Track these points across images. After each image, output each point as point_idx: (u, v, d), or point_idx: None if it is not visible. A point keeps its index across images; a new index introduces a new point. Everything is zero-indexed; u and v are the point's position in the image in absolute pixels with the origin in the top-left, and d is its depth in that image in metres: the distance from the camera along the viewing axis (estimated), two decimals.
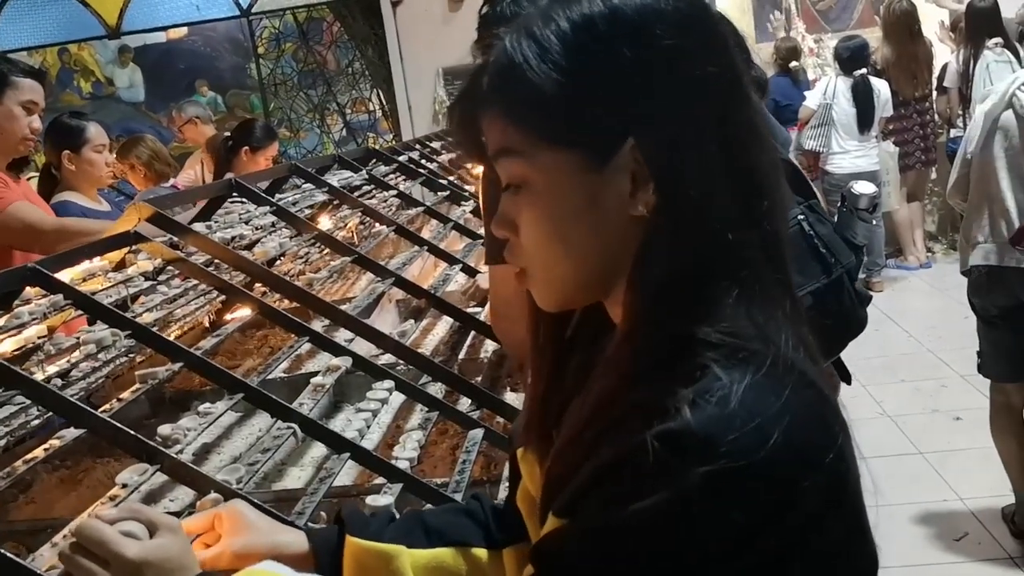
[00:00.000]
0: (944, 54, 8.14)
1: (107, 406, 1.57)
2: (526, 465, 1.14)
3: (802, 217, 2.04)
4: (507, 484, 1.83)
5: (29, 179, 4.15)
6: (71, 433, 1.46)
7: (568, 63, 0.89)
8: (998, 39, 6.87)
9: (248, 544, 1.17)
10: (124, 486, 1.38)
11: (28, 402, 1.53)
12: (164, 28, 10.49)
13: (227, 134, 5.51)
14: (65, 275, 1.90)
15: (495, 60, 0.94)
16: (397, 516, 1.27)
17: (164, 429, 1.60)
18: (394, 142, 8.23)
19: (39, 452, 1.41)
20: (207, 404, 1.75)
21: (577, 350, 1.06)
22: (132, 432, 1.49)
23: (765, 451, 0.80)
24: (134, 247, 2.17)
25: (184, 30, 10.70)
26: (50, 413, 1.56)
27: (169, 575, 1.03)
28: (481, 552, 1.20)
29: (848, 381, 2.17)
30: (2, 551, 1.14)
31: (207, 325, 2.87)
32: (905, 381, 5.62)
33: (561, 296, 0.99)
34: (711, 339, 0.85)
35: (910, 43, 7.71)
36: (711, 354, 0.85)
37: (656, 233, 0.89)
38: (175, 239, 2.24)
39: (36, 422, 1.58)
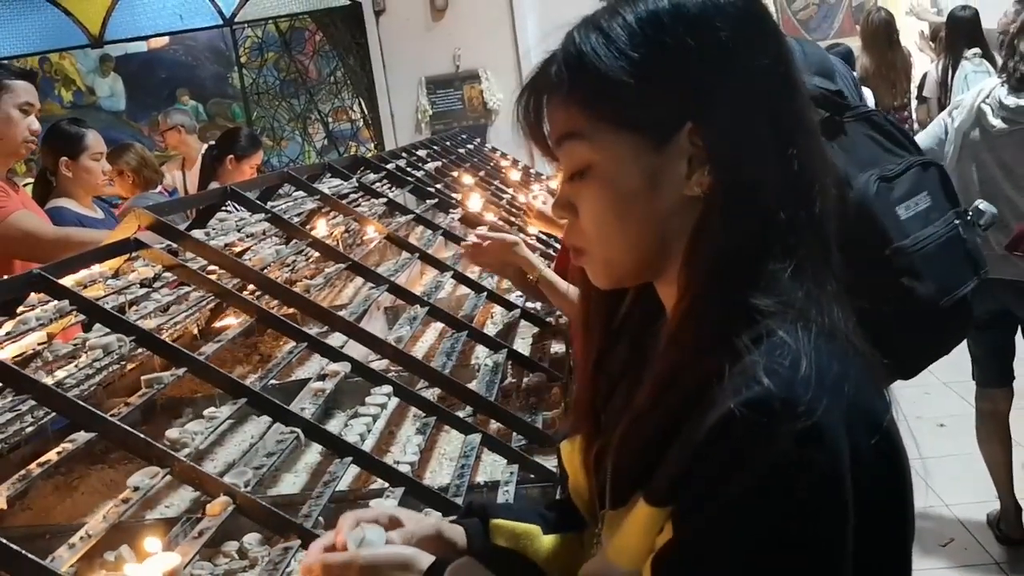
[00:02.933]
0: (924, 64, 8.21)
1: (115, 410, 1.58)
2: (569, 456, 1.18)
3: (958, 222, 2.14)
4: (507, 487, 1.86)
5: (24, 185, 4.14)
6: (82, 437, 1.46)
7: (633, 52, 0.95)
8: (976, 49, 6.92)
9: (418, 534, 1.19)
10: (136, 488, 1.39)
11: (24, 409, 1.53)
12: (148, 37, 10.46)
13: (211, 143, 5.51)
14: (67, 281, 1.90)
15: (563, 50, 1.00)
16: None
17: (172, 433, 1.61)
18: (376, 151, 8.24)
19: (52, 455, 1.42)
20: (212, 409, 1.75)
21: (626, 333, 1.11)
22: (142, 436, 1.49)
23: (838, 409, 0.85)
24: (134, 254, 2.18)
25: (165, 39, 10.69)
26: (45, 420, 1.56)
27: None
28: (578, 538, 1.23)
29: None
30: (24, 552, 1.15)
31: (196, 332, 2.88)
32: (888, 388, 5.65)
33: (616, 273, 1.04)
34: (771, 308, 0.91)
35: (889, 52, 7.76)
36: (771, 321, 0.90)
37: (711, 212, 0.95)
38: (174, 246, 2.24)
39: (30, 429, 1.58)
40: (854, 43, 8.35)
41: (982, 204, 2.45)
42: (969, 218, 2.37)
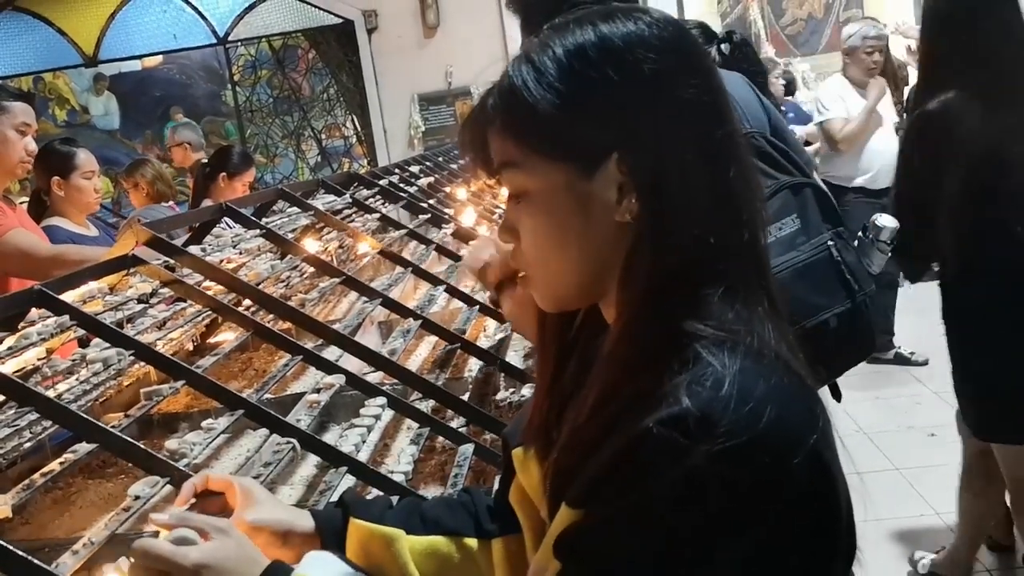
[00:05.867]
0: (912, 77, 8.27)
1: (116, 421, 1.61)
2: (522, 464, 1.20)
3: (832, 243, 2.11)
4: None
5: (20, 203, 4.17)
6: (84, 448, 1.49)
7: (561, 85, 0.99)
8: None
9: (262, 518, 1.22)
10: (137, 498, 1.42)
11: (23, 424, 1.56)
12: (141, 56, 10.51)
13: (204, 160, 5.58)
14: (67, 297, 1.93)
15: (499, 82, 1.04)
16: (394, 503, 1.33)
17: (171, 444, 1.64)
18: (369, 167, 8.28)
19: (55, 466, 1.45)
20: (209, 420, 1.78)
21: (576, 352, 1.14)
22: (142, 446, 1.52)
23: (759, 429, 0.87)
24: (131, 270, 2.21)
25: (159, 58, 10.74)
26: (43, 435, 1.59)
27: (230, 573, 1.07)
28: (472, 542, 1.27)
29: (838, 398, 2.22)
30: (31, 558, 1.18)
31: (191, 348, 2.91)
32: (880, 398, 5.68)
33: (557, 296, 1.07)
34: (701, 332, 0.93)
35: None
36: (701, 344, 0.92)
37: (641, 238, 0.98)
38: (171, 262, 2.27)
39: (28, 444, 1.61)
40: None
41: (880, 219, 2.39)
42: (868, 235, 2.34)
